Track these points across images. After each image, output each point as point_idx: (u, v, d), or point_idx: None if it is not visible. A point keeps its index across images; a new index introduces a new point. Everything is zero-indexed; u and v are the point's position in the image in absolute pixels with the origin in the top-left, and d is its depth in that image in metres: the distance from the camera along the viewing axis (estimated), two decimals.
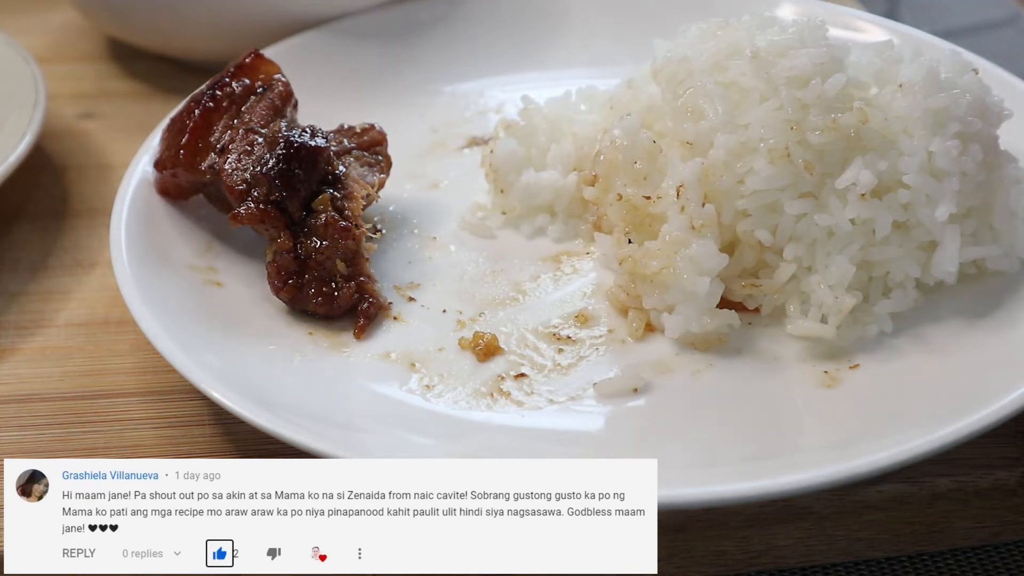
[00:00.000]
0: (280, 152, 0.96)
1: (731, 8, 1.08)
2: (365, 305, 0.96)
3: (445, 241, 1.05)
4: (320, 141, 0.97)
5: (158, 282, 0.93)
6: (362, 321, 0.95)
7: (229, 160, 0.97)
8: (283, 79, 1.04)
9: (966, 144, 0.92)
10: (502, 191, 1.07)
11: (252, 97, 1.02)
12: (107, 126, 1.29)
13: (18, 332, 1.01)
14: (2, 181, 1.06)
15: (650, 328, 0.94)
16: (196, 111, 1.01)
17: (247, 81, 1.03)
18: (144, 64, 1.39)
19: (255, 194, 0.95)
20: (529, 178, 1.06)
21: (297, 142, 0.96)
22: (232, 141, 0.99)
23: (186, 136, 1.01)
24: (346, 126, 1.05)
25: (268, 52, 1.20)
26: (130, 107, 1.32)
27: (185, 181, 1.02)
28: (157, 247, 0.98)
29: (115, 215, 0.98)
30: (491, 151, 1.08)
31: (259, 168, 0.96)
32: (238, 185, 0.96)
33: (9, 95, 1.18)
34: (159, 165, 1.02)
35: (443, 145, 1.17)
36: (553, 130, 1.09)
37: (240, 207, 0.95)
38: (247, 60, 1.04)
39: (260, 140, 0.98)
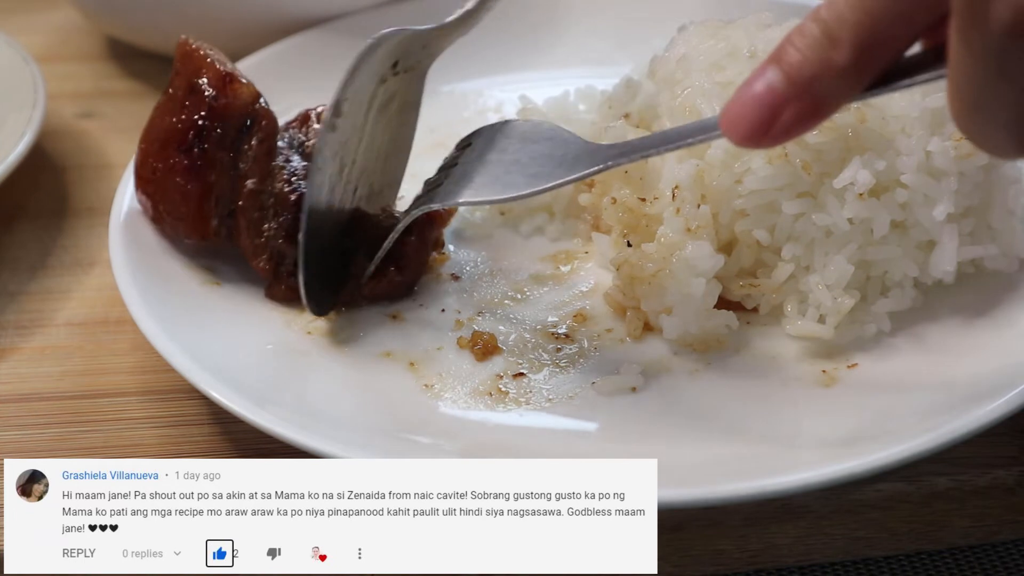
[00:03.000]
0: (299, 214, 0.94)
1: (730, 8, 1.08)
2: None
3: (444, 240, 1.05)
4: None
5: (157, 282, 0.94)
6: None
7: (244, 233, 0.96)
8: (263, 107, 0.97)
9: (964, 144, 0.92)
10: None
11: (240, 135, 0.97)
12: (107, 126, 1.30)
13: (18, 331, 1.01)
14: (2, 181, 1.06)
15: (648, 328, 0.95)
16: (187, 160, 0.95)
17: (230, 121, 0.96)
18: (144, 64, 1.39)
19: (283, 268, 0.96)
20: None
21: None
22: (238, 199, 0.96)
23: (187, 204, 0.95)
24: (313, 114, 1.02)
25: (268, 52, 1.21)
26: (130, 107, 1.32)
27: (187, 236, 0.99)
28: (156, 246, 0.98)
29: (114, 214, 0.98)
30: None
31: (280, 238, 0.95)
32: (264, 262, 0.96)
33: (9, 95, 1.18)
34: (154, 216, 0.98)
35: (442, 145, 1.16)
36: None
37: (274, 285, 0.96)
38: (224, 91, 0.95)
39: (270, 199, 0.96)
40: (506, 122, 0.96)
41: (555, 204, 1.06)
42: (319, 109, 1.01)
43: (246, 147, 0.96)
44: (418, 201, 0.97)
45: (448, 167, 0.96)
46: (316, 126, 1.01)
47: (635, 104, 1.05)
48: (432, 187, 0.96)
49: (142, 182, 0.98)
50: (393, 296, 0.98)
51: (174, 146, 0.95)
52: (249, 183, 0.96)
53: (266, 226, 0.96)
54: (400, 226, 0.96)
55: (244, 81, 0.97)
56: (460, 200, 0.92)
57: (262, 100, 0.98)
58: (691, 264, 0.90)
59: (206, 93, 0.96)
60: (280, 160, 0.98)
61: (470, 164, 0.93)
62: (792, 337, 0.92)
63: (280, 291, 0.96)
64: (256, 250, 0.96)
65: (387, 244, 0.96)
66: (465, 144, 0.96)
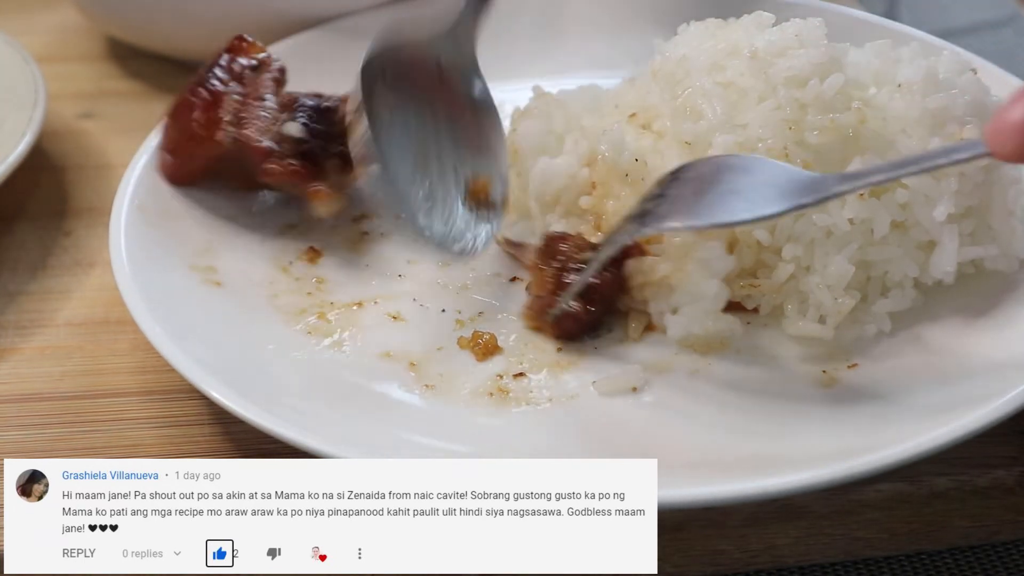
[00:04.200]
0: (301, 109, 1.01)
1: (730, 8, 1.08)
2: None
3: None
4: (331, 102, 1.03)
5: (158, 282, 0.93)
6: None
7: (248, 126, 1.00)
8: (271, 56, 1.06)
9: None
10: (519, 175, 1.06)
11: (250, 73, 1.05)
12: (107, 126, 1.30)
13: (18, 332, 1.01)
14: (2, 181, 1.06)
15: (650, 328, 0.94)
16: (202, 89, 1.02)
17: (242, 60, 1.05)
18: (144, 64, 1.39)
19: (280, 150, 1.00)
20: (544, 165, 1.04)
21: (311, 101, 1.02)
22: (245, 109, 1.01)
23: (197, 111, 1.02)
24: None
25: (268, 51, 1.20)
26: (130, 107, 1.32)
27: (200, 159, 1.02)
28: (157, 247, 0.98)
29: (114, 215, 0.98)
30: (514, 130, 1.07)
31: (281, 126, 1.00)
32: (262, 143, 0.99)
33: (9, 95, 1.18)
34: (170, 148, 1.03)
35: None
36: (568, 118, 1.08)
37: (271, 164, 0.99)
38: (234, 43, 1.06)
39: (273, 106, 1.01)
40: (716, 156, 0.91)
41: (564, 196, 1.05)
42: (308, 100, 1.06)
43: (256, 78, 1.04)
44: (621, 228, 0.90)
45: (652, 198, 0.89)
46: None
47: (643, 103, 1.05)
48: (635, 216, 0.89)
49: (169, 131, 1.04)
50: (573, 335, 0.94)
51: (197, 80, 1.04)
52: (255, 101, 1.02)
53: (271, 122, 1.01)
54: (603, 256, 0.91)
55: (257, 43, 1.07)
56: (672, 225, 0.87)
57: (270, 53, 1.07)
58: (705, 264, 0.90)
59: (232, 42, 1.06)
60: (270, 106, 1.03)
61: (681, 193, 0.87)
62: (792, 337, 0.92)
63: (273, 170, 1.00)
64: (260, 132, 1.00)
65: (588, 273, 0.92)
66: (668, 179, 0.89)
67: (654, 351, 0.93)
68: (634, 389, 0.89)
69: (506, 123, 1.14)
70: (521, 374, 0.91)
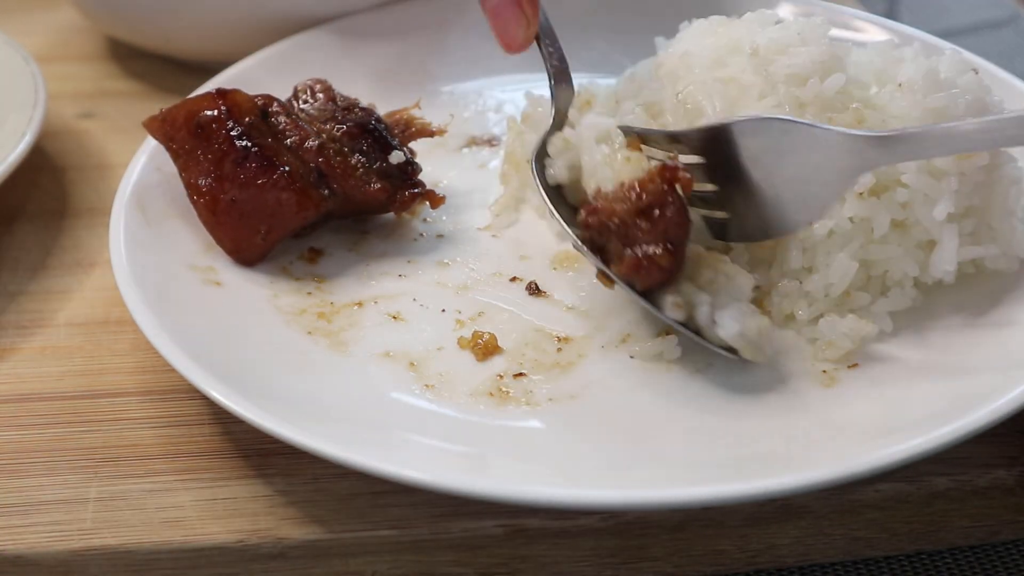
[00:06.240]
0: (369, 136, 1.03)
1: (732, 7, 1.08)
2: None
3: (444, 240, 1.05)
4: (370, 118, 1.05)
5: (158, 282, 0.93)
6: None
7: (343, 179, 1.00)
8: (261, 97, 1.02)
9: None
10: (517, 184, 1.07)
11: (262, 122, 1.01)
12: (107, 126, 1.30)
13: (18, 332, 1.01)
14: (2, 181, 1.06)
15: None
16: (266, 171, 0.97)
17: (251, 112, 1.00)
18: (144, 64, 1.39)
19: (394, 179, 1.02)
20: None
21: (369, 122, 1.03)
22: (313, 162, 1.00)
23: (285, 193, 0.97)
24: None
25: (268, 52, 1.21)
26: (130, 107, 1.32)
27: (291, 230, 1.00)
28: (157, 247, 0.98)
29: (114, 215, 0.98)
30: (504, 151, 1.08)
31: (377, 163, 1.02)
32: (378, 183, 1.01)
33: (9, 95, 1.18)
34: (245, 242, 0.99)
35: (442, 145, 1.17)
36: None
37: (400, 199, 1.02)
38: (225, 98, 0.99)
39: (334, 143, 1.01)
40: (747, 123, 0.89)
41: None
42: (310, 81, 1.08)
43: (278, 126, 1.01)
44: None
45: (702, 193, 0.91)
46: (306, 97, 1.07)
47: (640, 99, 1.05)
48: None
49: (226, 228, 0.99)
50: (664, 278, 0.88)
51: (232, 166, 0.98)
52: (310, 143, 1.00)
53: (354, 160, 1.01)
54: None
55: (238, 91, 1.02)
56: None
57: (253, 97, 1.02)
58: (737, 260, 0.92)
59: (215, 113, 0.99)
60: (302, 121, 1.02)
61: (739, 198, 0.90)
62: (791, 337, 0.92)
63: (403, 199, 1.02)
64: (363, 180, 1.00)
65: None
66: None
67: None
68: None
69: (505, 124, 1.15)
70: (521, 374, 0.91)
